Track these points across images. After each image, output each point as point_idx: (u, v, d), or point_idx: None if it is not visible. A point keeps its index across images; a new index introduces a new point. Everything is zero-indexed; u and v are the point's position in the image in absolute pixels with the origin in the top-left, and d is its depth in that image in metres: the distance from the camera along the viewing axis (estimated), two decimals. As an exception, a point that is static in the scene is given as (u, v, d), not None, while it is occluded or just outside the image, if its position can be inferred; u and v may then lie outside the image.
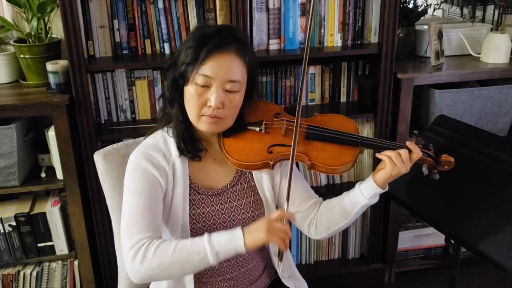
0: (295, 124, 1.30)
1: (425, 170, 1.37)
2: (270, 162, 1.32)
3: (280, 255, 1.21)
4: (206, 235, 1.18)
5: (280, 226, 1.17)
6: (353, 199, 1.35)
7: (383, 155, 1.30)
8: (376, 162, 1.34)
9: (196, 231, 1.34)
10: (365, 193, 1.33)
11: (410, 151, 1.30)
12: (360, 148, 1.36)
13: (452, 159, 1.36)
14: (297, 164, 1.52)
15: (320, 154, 1.34)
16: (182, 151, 1.33)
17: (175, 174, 1.32)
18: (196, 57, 1.24)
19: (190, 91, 1.27)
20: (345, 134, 1.37)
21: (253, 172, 1.41)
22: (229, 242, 1.16)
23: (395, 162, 1.27)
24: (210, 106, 1.26)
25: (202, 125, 1.29)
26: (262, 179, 1.41)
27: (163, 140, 1.35)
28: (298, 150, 1.33)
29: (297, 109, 1.30)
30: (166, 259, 1.17)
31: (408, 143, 1.32)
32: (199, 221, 1.35)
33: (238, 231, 1.17)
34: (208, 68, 1.24)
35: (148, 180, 1.28)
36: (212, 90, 1.25)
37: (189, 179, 1.35)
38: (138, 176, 1.28)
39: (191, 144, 1.33)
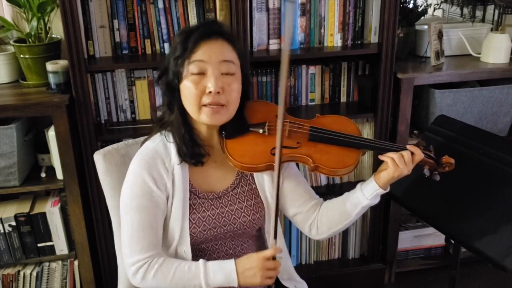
0: (277, 126, 1.23)
1: (426, 171, 1.37)
2: (274, 164, 1.32)
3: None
4: (202, 269, 1.25)
5: (272, 267, 1.24)
6: (354, 200, 1.35)
7: (386, 157, 1.30)
8: (376, 162, 1.34)
9: (195, 235, 1.34)
10: (367, 194, 1.33)
11: (412, 153, 1.30)
12: (362, 150, 1.37)
13: (452, 161, 1.36)
14: (297, 164, 1.52)
15: (323, 157, 1.34)
16: (184, 158, 1.32)
17: (174, 179, 1.32)
18: (184, 48, 1.25)
19: (186, 85, 1.26)
20: (348, 136, 1.36)
21: (254, 174, 1.41)
22: (224, 283, 1.25)
23: (397, 164, 1.28)
24: (209, 92, 1.24)
25: (203, 117, 1.27)
26: (264, 182, 1.41)
27: (162, 144, 1.34)
28: (301, 152, 1.33)
29: (279, 111, 1.24)
30: (164, 285, 1.26)
31: (409, 146, 1.32)
32: (199, 225, 1.34)
33: (233, 275, 1.24)
34: (199, 53, 1.24)
35: (147, 195, 1.28)
36: (208, 75, 1.25)
37: (189, 183, 1.35)
38: (138, 192, 1.28)
39: (192, 148, 1.31)
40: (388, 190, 1.34)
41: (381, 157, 1.32)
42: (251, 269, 1.23)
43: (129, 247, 1.29)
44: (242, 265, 1.24)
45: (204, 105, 1.26)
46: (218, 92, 1.24)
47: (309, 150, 1.34)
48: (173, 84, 1.28)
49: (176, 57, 1.26)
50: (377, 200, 1.35)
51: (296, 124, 1.37)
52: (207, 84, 1.24)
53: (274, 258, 1.25)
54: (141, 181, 1.29)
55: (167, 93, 1.31)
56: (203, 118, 1.27)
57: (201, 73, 1.25)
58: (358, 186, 1.36)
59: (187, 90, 1.26)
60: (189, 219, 1.33)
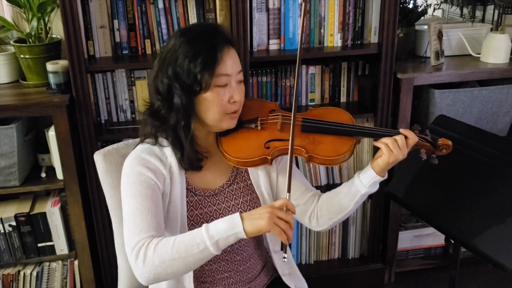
0: (292, 114, 1.30)
1: (423, 155, 1.36)
2: (268, 157, 1.33)
3: (284, 247, 1.16)
4: (204, 225, 1.15)
5: (283, 216, 1.13)
6: (353, 189, 1.36)
7: (380, 143, 1.31)
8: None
9: None
10: (364, 182, 1.33)
11: (406, 137, 1.31)
12: (356, 137, 1.37)
13: (449, 142, 1.35)
14: (297, 160, 1.53)
15: (317, 146, 1.34)
16: (184, 167, 1.33)
17: (172, 177, 1.32)
18: (211, 60, 1.24)
19: (212, 96, 1.26)
20: (340, 124, 1.37)
21: (249, 170, 1.42)
22: (228, 230, 1.13)
23: (391, 149, 1.28)
24: (234, 102, 1.29)
25: (224, 124, 1.31)
26: (259, 177, 1.42)
27: (158, 146, 1.34)
28: (295, 144, 1.33)
29: (293, 103, 1.30)
30: (166, 256, 1.14)
31: (402, 130, 1.32)
32: (197, 222, 1.35)
33: (236, 218, 1.13)
34: (224, 66, 1.26)
35: (144, 183, 1.27)
36: (232, 86, 1.28)
37: (186, 181, 1.35)
38: (134, 180, 1.27)
39: (191, 157, 1.32)
40: (385, 177, 1.34)
41: (375, 143, 1.33)
42: (257, 213, 1.13)
43: (128, 233, 1.22)
44: (248, 212, 1.16)
45: (227, 113, 1.30)
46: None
47: (302, 141, 1.35)
48: (194, 91, 1.26)
49: (200, 70, 1.24)
50: (375, 188, 1.35)
51: (289, 117, 1.38)
52: (232, 95, 1.28)
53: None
54: (136, 172, 1.28)
55: (185, 100, 1.26)
56: (224, 125, 1.32)
57: (225, 85, 1.28)
58: (356, 175, 1.37)
59: (212, 100, 1.27)
60: (187, 216, 1.34)
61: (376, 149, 1.33)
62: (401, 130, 1.32)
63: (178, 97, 1.27)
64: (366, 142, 2.24)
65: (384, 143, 1.30)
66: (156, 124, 1.32)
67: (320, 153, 1.33)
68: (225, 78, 1.27)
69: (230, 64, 1.27)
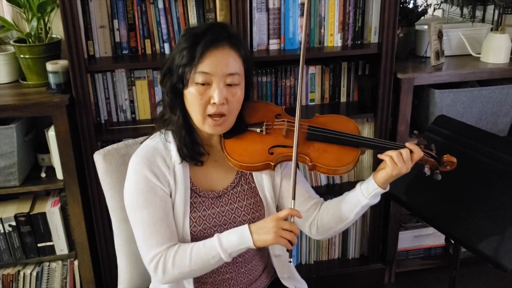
0: (295, 123, 1.29)
1: (427, 170, 1.35)
2: (271, 163, 1.32)
3: (290, 252, 1.23)
4: (216, 238, 1.25)
5: (288, 227, 1.20)
6: (354, 199, 1.35)
7: (385, 155, 1.30)
8: (376, 162, 1.34)
9: (196, 234, 1.34)
10: (366, 193, 1.33)
11: (411, 151, 1.30)
12: (361, 148, 1.36)
13: (454, 160, 1.35)
14: (297, 164, 1.52)
15: (321, 155, 1.34)
16: (184, 158, 1.32)
17: (175, 177, 1.32)
18: (192, 56, 1.24)
19: (191, 92, 1.26)
20: (346, 134, 1.37)
21: (254, 173, 1.41)
22: (239, 243, 1.23)
23: (396, 162, 1.27)
24: (214, 103, 1.25)
25: (207, 127, 1.30)
26: (263, 180, 1.41)
27: (163, 142, 1.34)
28: (299, 151, 1.32)
29: (296, 109, 1.30)
30: (185, 268, 1.26)
31: (408, 144, 1.32)
32: (200, 224, 1.34)
33: (246, 232, 1.23)
34: (205, 65, 1.24)
35: (152, 190, 1.28)
36: (213, 87, 1.25)
37: (190, 181, 1.35)
38: (142, 188, 1.28)
39: (192, 149, 1.32)
40: (387, 189, 1.34)
41: (380, 156, 1.32)
42: (264, 227, 1.22)
43: (144, 244, 1.29)
44: (255, 225, 1.24)
45: (209, 115, 1.28)
46: (222, 103, 1.26)
47: (307, 149, 1.35)
48: (178, 87, 1.28)
49: (182, 65, 1.25)
50: (377, 200, 1.35)
51: (294, 123, 1.37)
52: (212, 95, 1.26)
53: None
54: (143, 178, 1.29)
55: (171, 94, 1.30)
56: (206, 128, 1.30)
57: (206, 84, 1.26)
58: (358, 185, 1.36)
59: (192, 97, 1.27)
60: (190, 217, 1.33)
61: (376, 155, 1.33)
62: (406, 144, 1.32)
63: (166, 92, 1.31)
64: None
65: (388, 155, 1.29)
66: (163, 118, 1.37)
67: (324, 162, 1.33)
68: (204, 76, 1.24)
69: (213, 62, 1.24)
